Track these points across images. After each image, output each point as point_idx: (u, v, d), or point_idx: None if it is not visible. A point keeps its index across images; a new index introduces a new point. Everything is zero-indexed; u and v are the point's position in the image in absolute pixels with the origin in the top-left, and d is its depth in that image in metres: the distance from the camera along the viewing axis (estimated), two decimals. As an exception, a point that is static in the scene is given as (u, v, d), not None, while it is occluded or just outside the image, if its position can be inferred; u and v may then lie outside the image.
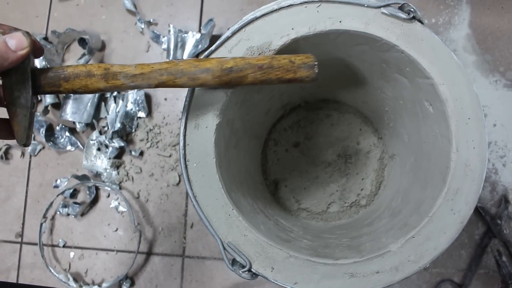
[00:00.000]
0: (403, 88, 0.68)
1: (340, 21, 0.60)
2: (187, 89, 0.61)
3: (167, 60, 0.94)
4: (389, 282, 0.58)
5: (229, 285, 0.98)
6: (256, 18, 0.61)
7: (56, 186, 1.07)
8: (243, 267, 0.58)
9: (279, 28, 0.61)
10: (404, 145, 0.78)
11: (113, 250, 1.04)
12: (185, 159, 0.61)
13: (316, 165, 0.90)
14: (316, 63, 0.56)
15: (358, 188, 0.89)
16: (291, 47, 0.62)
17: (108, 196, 1.06)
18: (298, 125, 0.91)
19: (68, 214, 1.06)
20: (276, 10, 0.61)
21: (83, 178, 1.06)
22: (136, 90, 1.05)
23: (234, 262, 0.59)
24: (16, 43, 0.48)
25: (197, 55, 1.04)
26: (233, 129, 0.69)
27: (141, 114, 1.06)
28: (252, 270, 0.58)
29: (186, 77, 0.55)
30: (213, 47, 0.63)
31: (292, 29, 0.61)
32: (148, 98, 1.08)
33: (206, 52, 0.63)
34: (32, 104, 0.51)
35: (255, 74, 0.56)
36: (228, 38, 0.63)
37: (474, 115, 0.59)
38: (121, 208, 1.05)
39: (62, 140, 1.09)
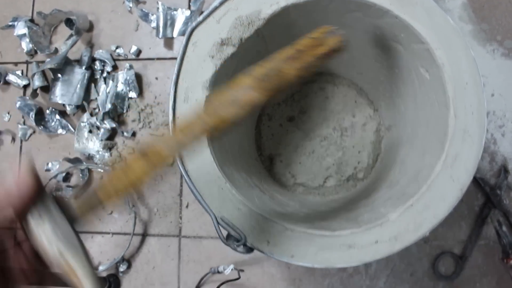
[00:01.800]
0: (398, 55, 0.66)
1: (331, -13, 0.58)
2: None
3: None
4: (388, 252, 0.57)
5: (227, 264, 0.96)
6: (245, -14, 0.59)
7: (48, 170, 1.05)
8: (238, 241, 0.57)
9: (269, -5, 0.59)
10: (401, 115, 0.76)
11: (108, 233, 1.03)
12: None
13: (312, 139, 0.88)
14: (332, 27, 0.51)
15: (355, 161, 0.87)
16: (282, 16, 0.61)
17: (101, 178, 1.05)
18: (292, 99, 0.89)
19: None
20: (265, -24, 0.59)
21: (75, 161, 1.04)
22: (126, 69, 1.04)
23: (228, 237, 0.58)
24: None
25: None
26: (224, 102, 0.67)
27: (132, 94, 1.04)
28: (247, 244, 0.57)
29: (232, 108, 0.50)
30: (200, 18, 0.61)
31: (282, -4, 0.59)
32: (138, 77, 1.05)
33: (194, 24, 0.62)
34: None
35: (292, 65, 0.49)
36: (216, 8, 0.61)
37: (472, 80, 0.57)
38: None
39: (53, 123, 1.07)
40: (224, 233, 0.57)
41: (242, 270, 0.94)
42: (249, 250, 0.58)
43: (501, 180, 0.93)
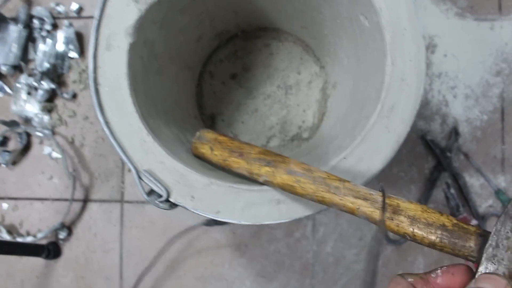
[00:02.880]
0: (339, 3, 0.63)
1: None
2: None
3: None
4: (319, 207, 0.53)
5: (171, 229, 0.93)
6: None
7: (-20, 133, 0.99)
8: (161, 196, 0.53)
9: None
10: (344, 69, 0.73)
11: (48, 199, 0.98)
12: (95, 82, 0.55)
13: (255, 97, 0.84)
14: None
15: (300, 121, 0.83)
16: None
17: (41, 142, 0.99)
18: (235, 55, 0.85)
19: (-2, 163, 0.99)
20: None
21: (12, 124, 0.98)
22: (65, 27, 0.98)
23: (151, 192, 0.54)
24: None
25: None
26: (154, 52, 0.63)
27: (73, 54, 0.99)
28: (170, 199, 0.53)
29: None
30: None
31: None
32: (80, 36, 1.00)
33: None
34: None
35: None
36: None
37: (410, 26, 0.54)
38: (55, 155, 0.98)
39: (-13, 85, 1.01)
40: (147, 188, 0.54)
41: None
42: (172, 205, 0.54)
43: (451, 143, 0.91)
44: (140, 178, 0.54)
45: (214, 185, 0.53)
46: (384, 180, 0.92)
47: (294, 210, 0.53)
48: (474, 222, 0.86)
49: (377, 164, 0.54)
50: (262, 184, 0.52)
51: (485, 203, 0.92)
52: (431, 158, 0.92)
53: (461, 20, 0.94)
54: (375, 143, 0.54)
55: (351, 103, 0.67)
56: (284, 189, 0.49)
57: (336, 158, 0.54)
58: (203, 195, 0.53)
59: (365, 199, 0.44)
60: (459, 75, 0.93)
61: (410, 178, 0.92)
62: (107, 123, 0.55)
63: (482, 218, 0.91)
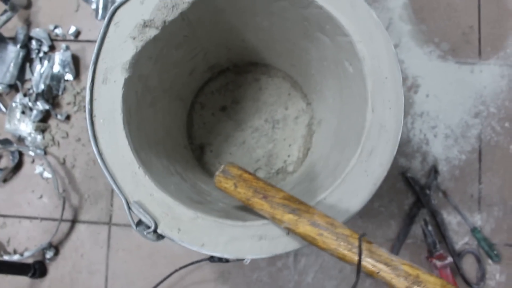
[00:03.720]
0: (326, 48, 0.66)
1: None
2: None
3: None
4: (299, 245, 0.56)
5: (157, 254, 0.95)
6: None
7: (-29, 150, 1.01)
8: (149, 227, 0.55)
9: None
10: (329, 109, 0.76)
11: (37, 218, 1.00)
12: (91, 114, 0.58)
13: (243, 130, 0.88)
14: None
15: (285, 155, 0.87)
16: (206, 1, 0.60)
17: (33, 161, 1.01)
18: (226, 88, 0.88)
19: (-11, 180, 1.01)
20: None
21: (5, 142, 1.00)
22: (62, 50, 1.00)
23: (139, 223, 0.56)
24: None
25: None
26: (148, 86, 0.66)
27: (69, 76, 1.01)
28: (157, 231, 0.56)
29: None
30: (122, -1, 0.60)
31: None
32: (76, 59, 1.03)
33: (117, 3, 0.60)
34: None
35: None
36: (140, -13, 0.59)
37: (391, 75, 0.58)
38: (46, 174, 1.00)
39: (-17, 102, 1.03)
40: (137, 218, 0.56)
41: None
42: (159, 237, 0.56)
43: (430, 180, 0.95)
44: (130, 209, 0.56)
45: (200, 219, 0.56)
46: (365, 214, 0.95)
47: (275, 247, 0.56)
48: (449, 259, 0.89)
49: (356, 205, 0.57)
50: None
51: (461, 240, 0.95)
52: (411, 195, 0.96)
53: (443, 62, 0.98)
54: (353, 186, 0.56)
55: (334, 142, 0.70)
56: (305, 239, 0.50)
57: (317, 197, 0.56)
58: (189, 227, 0.56)
59: (385, 264, 0.45)
60: (440, 115, 0.97)
61: (390, 213, 0.95)
62: (100, 154, 0.57)
63: (458, 255, 0.94)
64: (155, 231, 0.56)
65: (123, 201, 0.56)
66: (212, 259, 0.86)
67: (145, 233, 0.56)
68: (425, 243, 0.94)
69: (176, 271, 0.87)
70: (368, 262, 0.46)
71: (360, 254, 0.46)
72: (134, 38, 0.59)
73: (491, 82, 0.98)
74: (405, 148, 0.97)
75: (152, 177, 0.57)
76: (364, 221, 0.95)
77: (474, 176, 0.96)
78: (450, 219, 0.95)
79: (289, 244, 0.56)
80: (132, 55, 0.59)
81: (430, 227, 0.93)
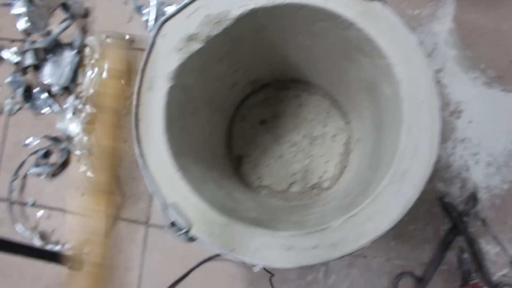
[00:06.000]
0: (364, 69, 0.67)
1: (299, -5, 0.60)
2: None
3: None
4: (326, 258, 0.57)
5: (190, 257, 0.97)
6: (218, -14, 0.61)
7: (26, 145, 1.07)
8: (181, 230, 0.58)
9: (240, -3, 0.61)
10: (366, 129, 0.77)
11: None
12: (136, 118, 0.62)
13: (281, 144, 0.90)
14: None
15: (321, 171, 0.88)
16: (250, 19, 0.62)
17: (78, 160, 1.06)
18: (267, 103, 0.91)
19: (39, 174, 1.06)
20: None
21: (55, 139, 1.06)
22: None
23: (172, 224, 0.59)
24: None
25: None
26: (190, 96, 0.69)
27: (119, 82, 1.06)
28: (190, 233, 0.58)
29: None
30: (171, 12, 0.63)
31: (252, -1, 0.60)
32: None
33: (165, 17, 0.63)
34: None
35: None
36: (188, 4, 0.63)
37: (428, 98, 0.58)
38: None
39: (40, 101, 1.09)
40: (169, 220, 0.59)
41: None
42: (191, 239, 0.59)
43: (469, 208, 0.93)
44: (165, 209, 0.59)
45: (231, 225, 0.58)
46: (399, 236, 0.94)
47: (303, 258, 0.57)
48: (484, 289, 0.88)
49: (385, 224, 0.57)
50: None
51: (499, 272, 0.93)
52: (447, 220, 0.94)
53: (489, 89, 0.97)
54: (384, 205, 0.57)
55: (369, 161, 0.71)
56: None
57: (346, 214, 0.57)
58: (220, 233, 0.58)
59: None
60: (482, 143, 0.96)
61: (424, 237, 0.94)
62: (142, 155, 0.61)
63: (495, 286, 0.91)
64: (187, 233, 0.58)
65: (159, 201, 0.59)
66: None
67: (177, 234, 0.58)
68: (460, 271, 0.92)
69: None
70: None
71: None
72: (179, 50, 0.63)
73: (538, 112, 0.96)
74: (444, 173, 0.96)
75: (188, 182, 0.60)
76: (397, 242, 0.94)
77: (516, 207, 0.94)
78: (488, 248, 0.93)
79: (316, 256, 0.57)
80: (176, 66, 0.62)
81: (466, 255, 0.91)
